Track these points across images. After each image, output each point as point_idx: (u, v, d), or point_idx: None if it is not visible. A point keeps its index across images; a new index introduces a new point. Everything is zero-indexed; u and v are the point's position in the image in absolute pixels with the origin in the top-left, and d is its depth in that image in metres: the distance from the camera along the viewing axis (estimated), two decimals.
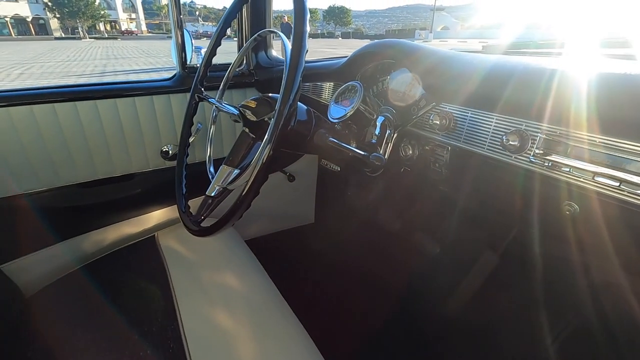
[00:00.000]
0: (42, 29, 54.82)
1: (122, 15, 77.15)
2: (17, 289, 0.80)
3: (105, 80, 0.91)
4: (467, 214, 0.83)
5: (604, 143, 0.46)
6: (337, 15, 77.49)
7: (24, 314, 0.74)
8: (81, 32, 47.98)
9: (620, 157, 0.45)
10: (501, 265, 0.86)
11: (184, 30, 0.91)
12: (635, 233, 0.46)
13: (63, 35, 50.08)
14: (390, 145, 0.80)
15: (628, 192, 0.44)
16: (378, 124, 0.81)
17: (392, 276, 1.14)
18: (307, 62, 1.00)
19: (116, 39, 45.58)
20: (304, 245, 1.35)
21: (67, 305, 0.75)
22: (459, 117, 0.66)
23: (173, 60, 0.97)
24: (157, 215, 1.01)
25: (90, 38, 44.30)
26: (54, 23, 54.97)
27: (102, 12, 59.44)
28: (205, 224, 0.62)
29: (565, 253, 0.58)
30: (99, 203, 0.92)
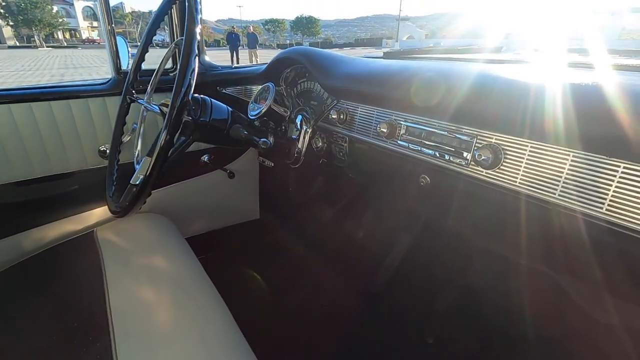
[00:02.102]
0: None
1: (83, 24, 74.24)
2: None
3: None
4: (373, 197, 0.95)
5: (449, 129, 0.59)
6: (304, 25, 78.33)
7: None
8: (38, 41, 45.65)
9: (453, 136, 0.58)
10: (410, 241, 0.98)
11: (118, 37, 0.98)
12: (453, 188, 0.59)
13: (18, 44, 47.50)
14: (307, 139, 0.91)
15: (456, 165, 0.58)
16: (297, 121, 0.92)
17: (332, 265, 1.25)
18: (237, 67, 1.11)
19: (76, 47, 43.73)
20: (249, 239, 1.44)
21: (1, 301, 0.79)
22: (352, 112, 0.78)
23: (109, 66, 1.04)
24: (97, 213, 1.06)
25: (47, 47, 42.26)
26: (7, 31, 52.08)
27: (61, 20, 56.93)
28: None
29: (421, 213, 0.71)
30: (37, 200, 0.97)
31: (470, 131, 0.55)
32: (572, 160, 0.44)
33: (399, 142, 0.67)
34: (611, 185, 0.41)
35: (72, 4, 71.71)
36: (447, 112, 0.57)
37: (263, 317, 1.06)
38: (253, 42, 13.09)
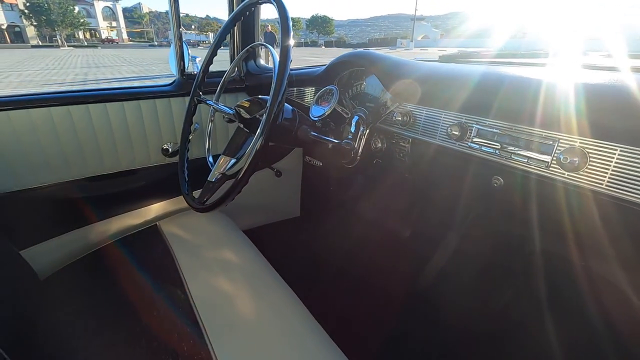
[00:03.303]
0: (17, 37, 53.46)
1: (103, 24, 76.05)
2: (34, 272, 0.89)
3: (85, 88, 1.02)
4: (429, 197, 0.97)
5: (519, 130, 0.62)
6: (320, 24, 78.56)
7: (39, 294, 0.83)
8: (59, 40, 47.01)
9: (527, 139, 0.61)
10: (461, 240, 1.00)
11: (183, 42, 1.03)
12: (542, 197, 0.62)
13: (40, 44, 48.95)
14: (363, 140, 0.94)
15: (534, 166, 0.60)
16: (353, 123, 0.95)
17: (370, 263, 1.28)
18: (291, 69, 1.16)
19: (96, 47, 44.86)
20: (289, 237, 1.48)
21: (79, 286, 0.84)
22: (416, 114, 0.81)
23: (171, 68, 1.09)
24: (158, 207, 1.12)
25: (68, 46, 43.46)
26: (31, 31, 53.72)
27: (82, 20, 58.47)
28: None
29: (498, 221, 0.73)
30: (106, 195, 1.03)
31: (551, 134, 0.57)
32: None
33: (469, 144, 0.70)
34: None
35: (93, 4, 73.53)
36: (525, 116, 0.60)
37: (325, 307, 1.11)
38: (271, 41, 13.20)
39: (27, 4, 48.32)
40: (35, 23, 50.15)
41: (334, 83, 1.05)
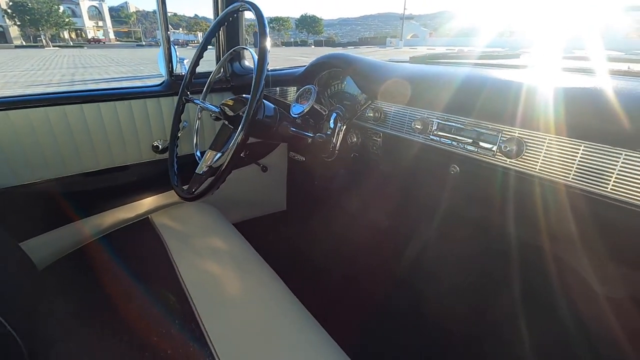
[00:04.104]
0: (0, 37, 52.29)
1: (89, 23, 74.74)
2: (32, 262, 0.95)
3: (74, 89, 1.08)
4: (401, 187, 1.06)
5: (471, 123, 0.70)
6: (309, 24, 78.56)
7: (37, 284, 0.89)
8: (44, 41, 46.13)
9: (477, 131, 0.69)
10: (430, 225, 1.09)
11: (171, 44, 1.10)
12: (491, 181, 0.70)
13: (24, 44, 47.92)
14: (341, 135, 1.02)
15: (483, 154, 0.68)
16: (331, 119, 1.03)
17: (354, 253, 1.35)
18: (275, 70, 1.24)
19: (82, 47, 44.14)
20: (276, 229, 1.55)
21: (75, 276, 0.90)
22: (386, 111, 0.89)
23: (160, 70, 1.15)
24: (150, 201, 1.18)
25: (54, 46, 42.68)
26: (14, 31, 52.58)
27: (67, 20, 57.40)
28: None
29: (449, 200, 0.82)
30: (100, 190, 1.08)
31: (496, 126, 0.66)
32: (583, 150, 0.55)
33: (431, 136, 0.78)
34: (615, 168, 0.52)
35: (78, 4, 72.24)
36: (475, 111, 0.68)
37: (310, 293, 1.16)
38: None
39: (10, 3, 47.30)
40: (18, 23, 49.10)
41: (313, 83, 1.13)
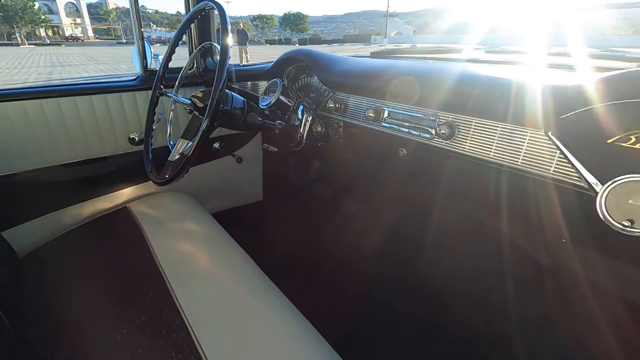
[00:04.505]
0: None
1: (66, 20, 72.51)
2: (13, 251, 0.99)
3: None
4: (362, 172, 1.14)
5: (415, 110, 0.79)
6: (293, 21, 78.14)
7: (19, 272, 0.93)
8: (19, 38, 44.57)
9: (420, 117, 0.78)
10: (390, 204, 1.17)
11: (145, 40, 1.15)
12: (432, 161, 0.79)
13: None
14: (307, 126, 1.10)
15: (424, 138, 0.77)
16: (299, 111, 1.11)
17: (327, 240, 1.43)
18: (246, 65, 1.31)
19: (60, 45, 42.85)
20: (253, 219, 1.62)
21: (55, 263, 0.94)
22: (345, 101, 0.97)
23: (135, 65, 1.20)
24: (128, 191, 1.23)
25: (29, 44, 41.28)
26: None
27: (43, 17, 55.58)
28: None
29: (398, 184, 0.91)
30: (78, 180, 1.13)
31: (433, 112, 0.75)
32: (500, 130, 0.64)
33: (382, 124, 0.86)
34: (522, 145, 0.61)
35: (54, 0, 69.97)
36: (416, 99, 0.77)
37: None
38: (243, 39, 13.15)
39: None
40: None
41: (282, 77, 1.20)
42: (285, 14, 78.84)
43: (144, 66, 1.16)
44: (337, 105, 0.99)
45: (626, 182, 0.50)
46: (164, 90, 1.02)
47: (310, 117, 1.09)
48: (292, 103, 1.09)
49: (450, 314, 1.05)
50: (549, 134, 0.58)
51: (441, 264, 1.08)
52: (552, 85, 0.59)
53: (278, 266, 0.98)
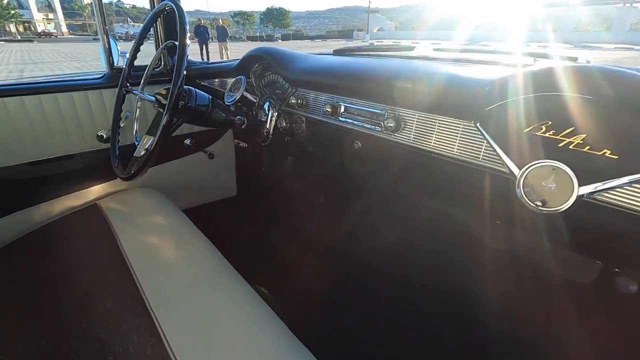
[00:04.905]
0: None
1: (37, 16, 69.66)
2: None
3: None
4: (325, 164, 1.19)
5: (368, 105, 0.84)
6: (275, 17, 77.40)
7: None
8: None
9: (372, 112, 0.83)
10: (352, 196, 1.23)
11: (110, 38, 1.16)
12: (383, 152, 0.84)
13: None
14: (273, 121, 1.14)
15: (375, 131, 0.82)
16: (265, 107, 1.14)
17: (300, 233, 1.47)
18: (213, 63, 1.34)
19: (32, 41, 41.17)
20: (226, 214, 1.65)
21: (23, 261, 0.95)
22: (306, 97, 1.02)
23: (102, 63, 1.21)
24: (97, 189, 1.24)
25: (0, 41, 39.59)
26: None
27: (12, 12, 53.27)
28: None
29: (355, 169, 0.96)
30: (46, 178, 1.13)
31: (382, 107, 0.80)
32: (439, 123, 0.70)
33: (339, 118, 0.91)
34: (457, 136, 0.67)
35: None
36: (368, 94, 0.82)
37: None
38: (223, 36, 13.00)
39: None
40: None
41: (249, 74, 1.24)
42: (267, 9, 77.94)
43: (110, 64, 1.17)
44: (299, 101, 1.03)
45: (539, 166, 0.56)
46: (130, 87, 1.04)
47: (276, 113, 1.13)
48: (257, 99, 1.12)
49: (412, 297, 1.12)
50: (477, 124, 0.64)
51: (403, 250, 1.15)
52: (479, 80, 0.65)
53: (245, 257, 1.02)
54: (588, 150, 0.53)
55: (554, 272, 0.76)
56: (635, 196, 0.49)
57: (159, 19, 1.08)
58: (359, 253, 1.30)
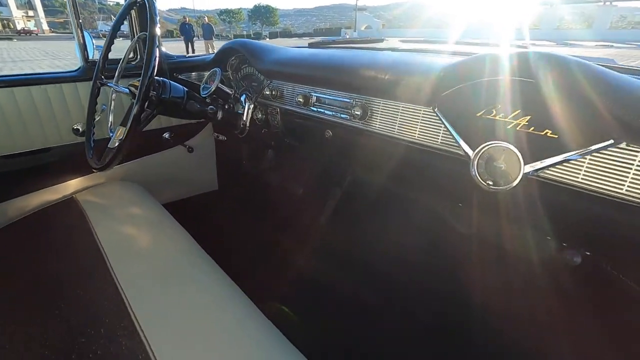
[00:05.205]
0: None
1: (17, 13, 67.69)
2: None
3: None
4: (302, 155, 1.22)
5: (338, 95, 0.87)
6: (263, 14, 76.88)
7: None
8: None
9: (342, 101, 0.86)
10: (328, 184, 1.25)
11: (84, 32, 1.16)
12: (353, 140, 0.87)
13: None
14: (250, 113, 1.15)
15: (345, 120, 0.85)
16: (242, 99, 1.16)
17: (281, 224, 1.49)
18: (189, 56, 1.35)
19: (11, 39, 40.01)
20: (208, 208, 1.66)
21: (1, 255, 0.95)
22: (281, 88, 1.04)
23: (77, 56, 1.21)
24: (75, 183, 1.24)
25: None
26: None
27: None
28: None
29: (329, 158, 0.99)
30: (21, 172, 1.13)
31: (350, 96, 0.83)
32: (402, 110, 0.73)
33: (311, 108, 0.94)
34: (418, 121, 0.70)
35: None
36: (336, 84, 0.85)
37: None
38: (209, 33, 12.88)
39: None
40: None
41: (226, 67, 1.25)
42: (255, 6, 77.26)
43: (85, 57, 1.17)
44: (273, 93, 1.05)
45: (490, 148, 0.60)
46: (105, 80, 1.04)
47: (252, 105, 1.15)
48: (232, 91, 1.14)
49: (379, 282, 1.15)
50: (435, 110, 0.67)
51: (377, 238, 1.18)
52: (435, 67, 0.68)
53: (226, 250, 1.02)
54: (532, 131, 0.56)
55: (510, 251, 0.80)
56: (573, 172, 0.53)
57: (132, 11, 1.09)
58: (338, 244, 1.32)
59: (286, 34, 73.69)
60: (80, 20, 1.13)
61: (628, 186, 0.48)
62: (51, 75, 1.13)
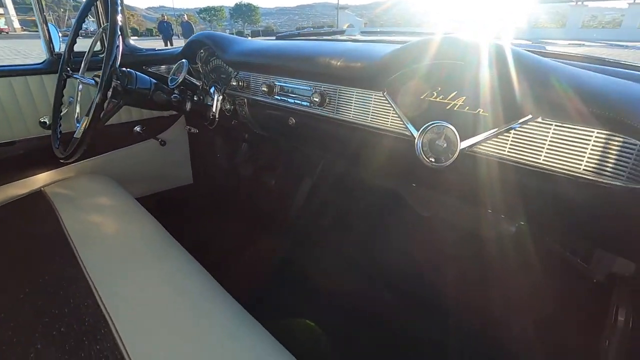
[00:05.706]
0: None
1: None
2: None
3: None
4: (271, 145, 1.25)
5: (299, 83, 0.90)
6: (244, 13, 76.14)
7: None
8: None
9: (304, 89, 0.89)
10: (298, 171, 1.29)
11: (50, 24, 1.16)
12: (313, 126, 0.91)
13: None
14: (219, 104, 1.18)
15: (306, 107, 0.89)
16: (211, 91, 1.18)
17: (257, 216, 1.52)
18: (160, 50, 1.36)
19: None
20: (183, 202, 1.67)
21: None
22: (247, 79, 1.07)
23: (43, 49, 1.21)
24: (44, 176, 1.23)
25: None
26: None
27: None
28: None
29: (294, 145, 1.03)
30: None
31: (308, 83, 0.87)
32: (356, 95, 0.77)
33: (275, 97, 0.97)
34: (370, 105, 0.75)
35: None
36: (296, 72, 0.89)
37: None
38: (188, 32, 12.71)
39: None
40: None
41: (195, 59, 1.27)
42: (236, 4, 76.39)
43: (51, 50, 1.17)
44: (240, 84, 1.08)
45: (432, 127, 0.65)
46: (71, 72, 1.05)
47: (220, 96, 1.17)
48: (200, 83, 1.16)
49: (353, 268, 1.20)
50: (384, 93, 0.72)
51: (345, 223, 1.23)
52: (384, 54, 0.73)
53: (200, 241, 1.04)
54: (468, 110, 0.62)
55: (464, 227, 0.85)
56: (500, 146, 0.58)
57: (97, 2, 1.09)
58: (313, 233, 1.36)
59: (268, 32, 73.10)
60: (45, 14, 1.13)
61: (545, 156, 0.53)
62: (16, 67, 1.13)
